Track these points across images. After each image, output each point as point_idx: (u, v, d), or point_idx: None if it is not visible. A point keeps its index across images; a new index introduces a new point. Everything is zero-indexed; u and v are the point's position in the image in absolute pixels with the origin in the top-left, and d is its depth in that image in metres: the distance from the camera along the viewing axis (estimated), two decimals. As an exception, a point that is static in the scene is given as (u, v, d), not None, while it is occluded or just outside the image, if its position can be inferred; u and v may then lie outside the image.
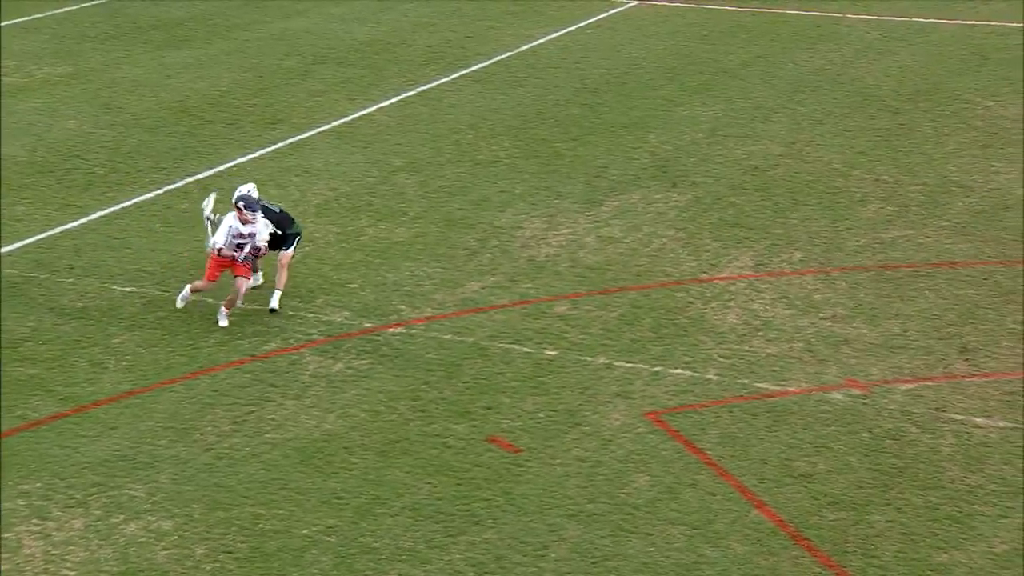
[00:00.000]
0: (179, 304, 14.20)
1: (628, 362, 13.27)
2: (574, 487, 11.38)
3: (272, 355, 13.50)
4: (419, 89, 21.59)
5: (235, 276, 13.94)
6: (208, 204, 14.58)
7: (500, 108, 20.71)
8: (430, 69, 22.59)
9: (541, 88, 21.59)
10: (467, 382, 13.01)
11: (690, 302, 14.60)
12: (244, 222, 13.85)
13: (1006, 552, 10.37)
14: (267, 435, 12.19)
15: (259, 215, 13.93)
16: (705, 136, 19.39)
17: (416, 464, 11.72)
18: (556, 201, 17.35)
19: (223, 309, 14.00)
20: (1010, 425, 12.01)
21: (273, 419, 12.44)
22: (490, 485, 11.41)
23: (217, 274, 13.96)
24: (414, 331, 13.95)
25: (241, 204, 13.87)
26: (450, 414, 12.48)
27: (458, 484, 11.44)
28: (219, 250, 13.85)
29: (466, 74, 22.33)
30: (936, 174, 17.83)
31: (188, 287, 14.20)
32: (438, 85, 21.80)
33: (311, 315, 14.26)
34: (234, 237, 13.86)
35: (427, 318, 14.25)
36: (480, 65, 22.77)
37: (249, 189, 14.38)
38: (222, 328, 14.00)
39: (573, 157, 18.75)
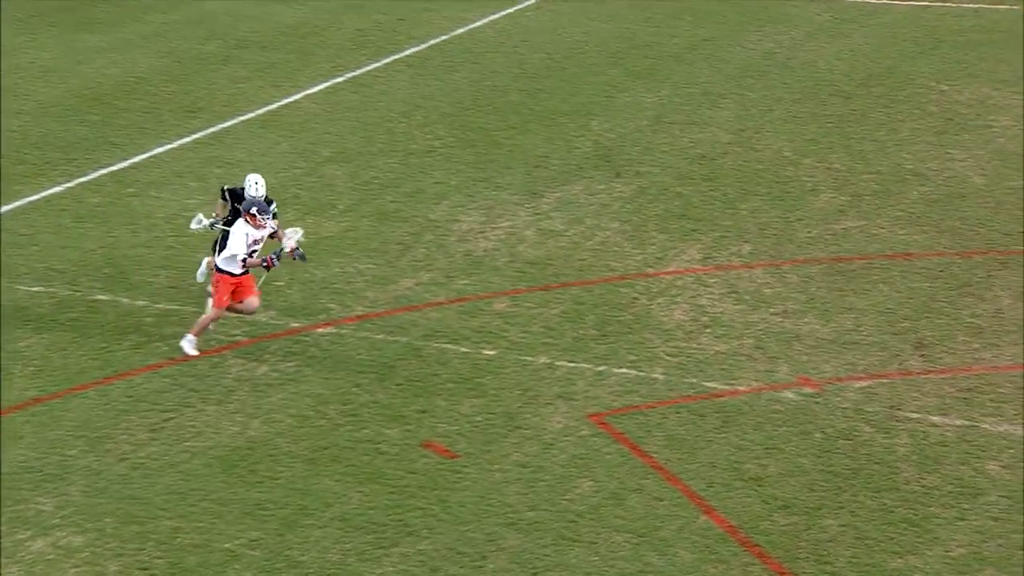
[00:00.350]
0: (191, 351, 13.28)
1: (570, 361, 13.27)
2: (514, 494, 11.36)
3: (193, 358, 13.36)
4: (348, 75, 21.48)
5: (243, 297, 13.29)
6: (200, 222, 14.08)
7: (434, 95, 20.65)
8: (360, 54, 22.48)
9: (478, 73, 21.56)
10: (400, 384, 12.96)
11: (635, 298, 14.64)
12: (258, 227, 13.33)
13: (963, 556, 10.49)
14: (186, 443, 12.05)
15: (269, 218, 13.36)
16: (650, 123, 19.45)
17: (346, 472, 11.65)
18: (494, 193, 17.34)
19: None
20: (967, 423, 12.15)
21: (193, 426, 12.31)
22: (425, 493, 11.36)
23: (227, 298, 13.27)
24: (344, 331, 13.87)
25: (254, 210, 13.28)
26: (383, 418, 12.42)
27: (391, 492, 11.38)
28: (243, 260, 13.14)
29: (398, 59, 22.24)
30: (890, 162, 18.01)
31: (194, 330, 13.29)
32: (369, 71, 21.70)
33: (234, 315, 14.13)
34: (250, 245, 13.28)
35: (358, 317, 14.17)
36: (413, 49, 22.69)
37: (257, 184, 13.69)
38: (139, 330, 13.83)
39: (512, 146, 18.74)
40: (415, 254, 15.70)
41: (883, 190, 17.16)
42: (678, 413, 12.42)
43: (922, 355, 13.32)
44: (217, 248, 13.81)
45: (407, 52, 22.57)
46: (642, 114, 19.81)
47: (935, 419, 12.23)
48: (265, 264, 13.27)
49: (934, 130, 18.95)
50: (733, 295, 14.66)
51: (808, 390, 12.75)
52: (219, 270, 13.34)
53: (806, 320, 14.05)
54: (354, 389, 12.88)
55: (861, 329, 13.83)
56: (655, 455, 11.82)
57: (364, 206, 17.01)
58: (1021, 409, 12.28)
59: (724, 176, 17.71)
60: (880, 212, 16.55)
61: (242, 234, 13.26)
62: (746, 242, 15.88)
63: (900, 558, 10.53)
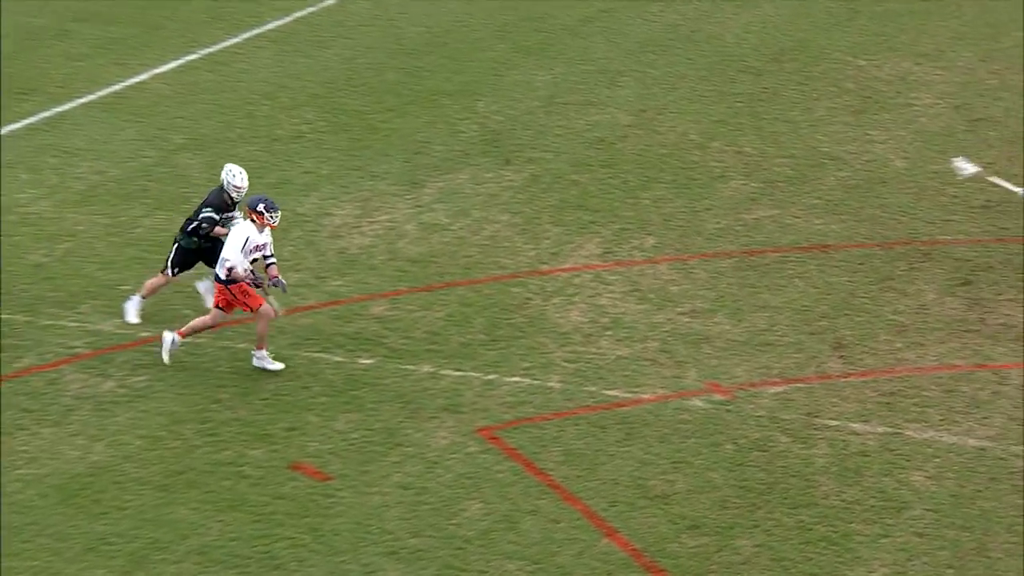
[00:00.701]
0: (271, 366, 12.99)
1: (457, 370, 13.28)
2: (394, 519, 11.33)
3: (25, 374, 13.12)
4: (204, 52, 21.25)
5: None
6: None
7: (302, 74, 20.53)
8: (216, 28, 22.24)
9: (350, 50, 21.47)
10: (266, 399, 12.85)
11: (528, 298, 14.69)
12: (263, 228, 12.87)
13: None
14: (19, 471, 11.82)
15: (278, 217, 12.86)
16: (542, 104, 19.53)
17: (205, 499, 11.52)
18: (370, 183, 17.29)
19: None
20: (890, 430, 12.39)
21: (26, 451, 12.08)
22: (294, 521, 11.28)
23: (259, 296, 12.78)
24: (201, 340, 13.72)
25: (262, 207, 12.80)
26: (246, 438, 12.31)
27: (256, 521, 11.28)
28: (230, 270, 12.64)
29: (260, 34, 22.06)
30: (804, 145, 18.31)
31: (260, 343, 12.96)
32: (227, 47, 21.49)
33: (74, 324, 13.89)
34: (251, 251, 12.81)
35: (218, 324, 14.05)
36: (277, 23, 22.52)
37: (242, 174, 13.57)
38: (-37, 343, 13.54)
39: (389, 131, 18.69)
40: (282, 252, 15.56)
41: (797, 176, 17.44)
42: (576, 425, 12.48)
43: (841, 356, 13.55)
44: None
45: (270, 26, 22.38)
46: (533, 94, 19.89)
47: (856, 426, 12.45)
48: (257, 282, 12.82)
49: (851, 109, 19.31)
50: (636, 294, 14.79)
51: (718, 397, 12.90)
52: (223, 281, 12.80)
53: (716, 320, 14.22)
54: (213, 406, 12.74)
55: (775, 329, 14.04)
56: (552, 472, 11.86)
57: (222, 199, 16.85)
58: (947, 414, 12.56)
59: (624, 162, 17.86)
60: (794, 200, 16.82)
61: (241, 237, 12.73)
62: (649, 235, 16.02)
63: (819, 580, 10.72)
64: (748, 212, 16.54)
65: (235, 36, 21.92)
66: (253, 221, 12.91)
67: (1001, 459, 11.90)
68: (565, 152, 18.14)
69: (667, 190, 17.10)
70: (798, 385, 13.07)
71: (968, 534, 11.04)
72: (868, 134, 18.53)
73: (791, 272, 15.17)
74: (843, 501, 11.48)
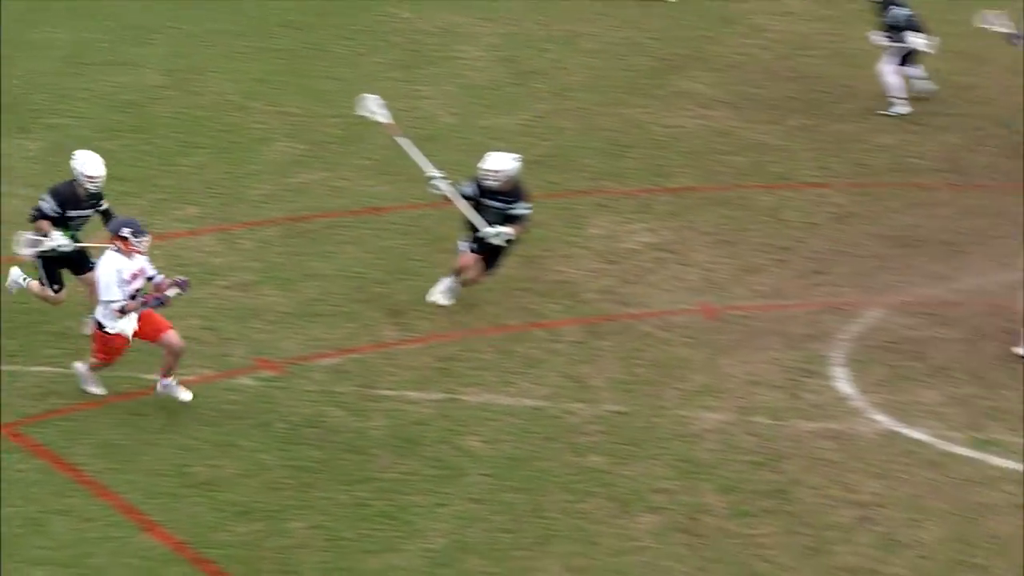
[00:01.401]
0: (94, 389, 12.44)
1: (-29, 363, 12.81)
2: (-101, 536, 10.81)
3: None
4: None
5: (158, 335, 12.12)
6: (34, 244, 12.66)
7: None
8: None
9: None
10: None
11: (53, 279, 14.28)
12: (131, 254, 11.86)
13: (444, 547, 11.02)
14: None
15: (146, 241, 11.93)
16: (63, 65, 19.06)
17: None
18: None
19: (165, 380, 12.20)
20: (447, 396, 12.78)
21: None
22: None
23: (115, 355, 12.17)
24: None
25: (127, 231, 11.81)
26: None
27: None
28: (123, 308, 11.76)
29: None
30: (353, 103, 18.52)
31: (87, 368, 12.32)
32: None
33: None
34: (127, 282, 11.81)
35: None
36: None
37: (94, 163, 12.68)
38: None
39: None
40: None
41: (347, 136, 17.68)
42: (112, 414, 12.28)
43: (396, 323, 13.86)
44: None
45: None
46: (53, 54, 19.37)
47: (412, 395, 12.77)
48: (160, 301, 12.00)
49: (400, 64, 19.73)
50: (177, 268, 14.59)
51: (268, 374, 12.96)
52: (99, 325, 12.01)
53: (264, 292, 14.26)
54: None
55: (327, 299, 14.21)
56: (84, 467, 11.62)
57: None
58: (502, 375, 13.07)
59: (158, 126, 17.65)
60: (344, 161, 17.06)
61: (112, 271, 11.85)
62: (190, 204, 15.92)
63: (376, 556, 10.92)
64: (294, 176, 16.66)
65: None
66: (118, 249, 12.03)
67: (556, 417, 12.50)
68: (91, 117, 17.76)
69: (207, 155, 17.01)
70: (352, 356, 13.28)
71: (525, 496, 11.52)
72: (416, 90, 18.99)
73: (342, 237, 15.38)
74: (400, 473, 11.77)
